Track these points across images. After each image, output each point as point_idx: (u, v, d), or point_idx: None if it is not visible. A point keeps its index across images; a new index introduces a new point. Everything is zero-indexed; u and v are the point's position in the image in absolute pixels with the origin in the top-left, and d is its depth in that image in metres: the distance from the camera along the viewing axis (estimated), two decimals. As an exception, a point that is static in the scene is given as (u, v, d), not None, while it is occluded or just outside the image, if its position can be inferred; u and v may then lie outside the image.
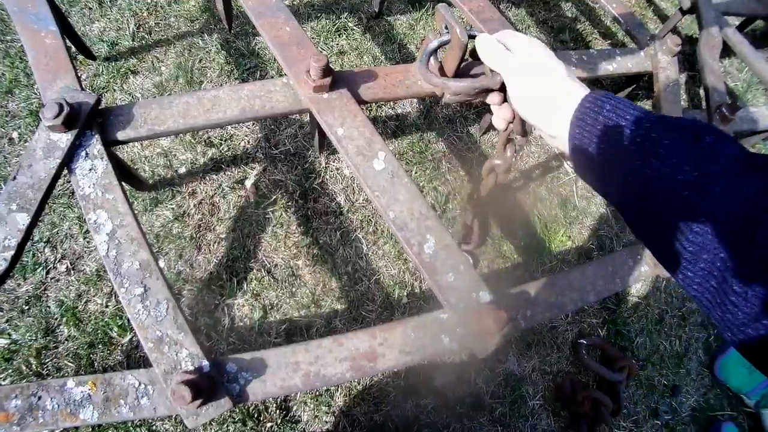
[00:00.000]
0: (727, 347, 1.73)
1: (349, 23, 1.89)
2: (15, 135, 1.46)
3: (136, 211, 0.86)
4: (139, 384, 0.77)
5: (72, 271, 1.34)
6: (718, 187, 0.47)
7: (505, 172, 1.04)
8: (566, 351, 1.56)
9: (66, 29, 1.35)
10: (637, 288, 1.74)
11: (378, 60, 1.85)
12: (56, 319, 1.28)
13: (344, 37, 1.86)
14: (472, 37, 0.83)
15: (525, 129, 0.82)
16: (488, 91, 0.80)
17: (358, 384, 1.37)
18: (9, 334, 1.24)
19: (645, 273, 1.10)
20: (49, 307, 1.29)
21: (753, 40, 1.83)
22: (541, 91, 0.67)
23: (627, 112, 0.58)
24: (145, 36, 1.71)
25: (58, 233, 1.36)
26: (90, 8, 1.73)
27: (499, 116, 0.83)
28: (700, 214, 0.48)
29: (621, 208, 0.60)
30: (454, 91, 0.85)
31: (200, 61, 1.69)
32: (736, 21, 2.11)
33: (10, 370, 1.20)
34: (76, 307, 1.30)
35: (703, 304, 0.50)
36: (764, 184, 0.45)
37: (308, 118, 1.53)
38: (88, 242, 1.37)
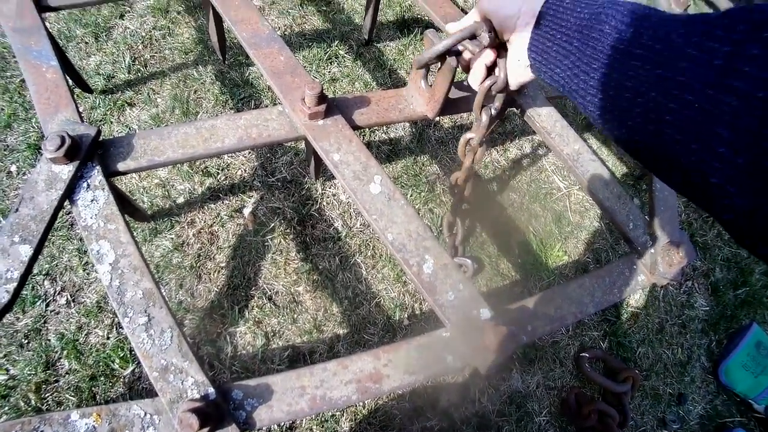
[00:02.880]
0: (728, 352, 1.73)
1: (340, 51, 1.93)
2: (13, 168, 1.48)
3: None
4: (145, 414, 0.76)
5: (72, 304, 1.34)
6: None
7: (480, 144, 1.04)
8: (569, 365, 1.56)
9: (65, 64, 1.37)
10: (635, 299, 1.75)
11: (370, 85, 1.88)
12: (56, 352, 1.27)
13: (336, 64, 1.90)
14: (457, 53, 0.87)
15: (506, 75, 0.84)
16: (473, 37, 0.83)
17: (364, 408, 1.36)
18: (6, 370, 1.23)
19: (642, 282, 1.11)
20: (49, 340, 1.28)
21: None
22: (515, 1, 0.75)
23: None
24: (141, 69, 1.74)
25: (57, 265, 1.37)
26: (86, 42, 1.76)
27: (480, 63, 0.86)
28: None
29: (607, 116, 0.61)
30: (444, 45, 0.86)
31: (195, 92, 1.71)
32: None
33: (6, 407, 1.18)
34: (77, 340, 1.29)
35: None
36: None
37: (304, 145, 1.55)
38: (88, 274, 1.37)
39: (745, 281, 1.92)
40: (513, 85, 0.84)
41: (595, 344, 1.63)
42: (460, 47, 0.87)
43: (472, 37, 0.82)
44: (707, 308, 1.83)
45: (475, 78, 0.89)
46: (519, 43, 0.76)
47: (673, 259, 1.05)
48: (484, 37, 0.79)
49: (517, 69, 0.80)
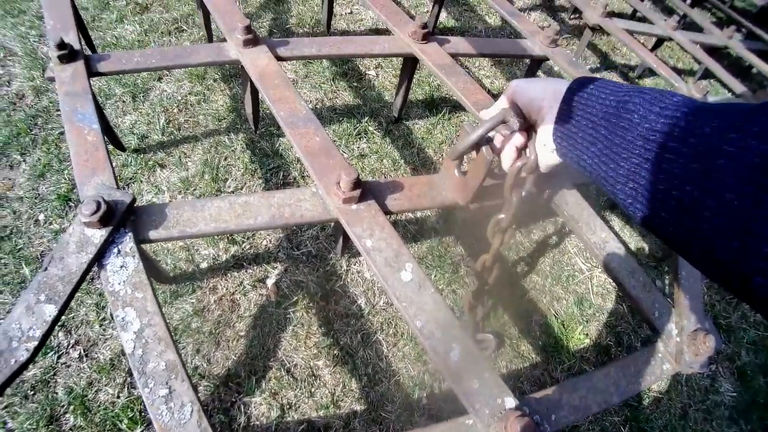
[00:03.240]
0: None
1: (370, 127, 1.99)
2: (41, 217, 1.51)
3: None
4: (161, 491, 0.74)
5: (85, 358, 1.32)
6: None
7: (510, 224, 1.04)
8: (590, 453, 1.50)
9: (103, 123, 1.43)
10: (657, 384, 1.70)
11: (397, 163, 1.93)
12: (63, 406, 1.24)
13: (365, 140, 1.96)
14: (489, 140, 0.91)
15: (536, 158, 0.85)
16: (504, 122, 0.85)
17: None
18: (4, 423, 1.19)
19: (667, 371, 1.09)
20: (56, 393, 1.26)
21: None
22: (539, 85, 0.79)
23: (607, 85, 0.67)
24: (174, 131, 1.80)
25: (74, 318, 1.37)
26: (124, 102, 1.84)
27: (511, 145, 0.88)
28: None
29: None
30: (477, 135, 0.89)
31: (226, 159, 1.77)
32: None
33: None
34: (86, 396, 1.27)
35: None
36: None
37: (333, 223, 1.58)
38: (104, 330, 1.37)
39: (776, 367, 1.86)
40: (543, 168, 0.86)
41: (616, 430, 1.57)
42: (491, 134, 0.90)
43: (503, 122, 0.85)
44: (734, 394, 1.76)
45: (507, 160, 0.91)
46: (545, 127, 0.78)
47: (699, 348, 1.03)
48: (513, 122, 0.82)
49: (545, 152, 0.82)
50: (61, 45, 1.16)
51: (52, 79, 1.18)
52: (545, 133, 0.77)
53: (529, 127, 0.84)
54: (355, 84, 2.13)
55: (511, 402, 0.85)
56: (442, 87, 2.22)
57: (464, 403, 0.85)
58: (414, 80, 2.16)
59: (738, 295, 0.48)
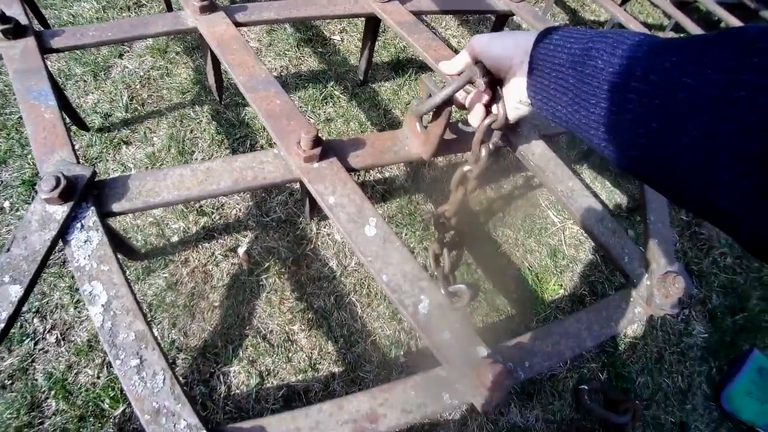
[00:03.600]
0: (730, 379, 1.71)
1: (336, 91, 1.97)
2: (6, 204, 1.47)
3: (129, 281, 0.87)
4: (137, 459, 0.75)
5: (62, 342, 1.31)
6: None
7: (477, 178, 1.04)
8: (568, 398, 1.54)
9: (63, 103, 1.39)
10: (633, 329, 1.74)
11: (365, 125, 1.91)
12: (43, 392, 1.24)
13: (331, 105, 1.93)
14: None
15: (505, 113, 0.85)
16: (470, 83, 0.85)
17: (359, 446, 1.33)
18: (-19, 416, 1.18)
19: (639, 314, 1.11)
20: (36, 380, 1.25)
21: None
22: (506, 39, 0.79)
23: (571, 34, 0.67)
24: (138, 108, 1.76)
25: (48, 303, 1.35)
26: (85, 81, 1.79)
27: (479, 104, 0.89)
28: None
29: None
30: (441, 97, 0.88)
31: (192, 132, 1.73)
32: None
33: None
34: (66, 379, 1.26)
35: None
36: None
37: (299, 186, 1.57)
38: (79, 312, 1.35)
39: (743, 307, 1.92)
40: (512, 119, 0.87)
41: (594, 376, 1.61)
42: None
43: (470, 83, 0.84)
44: (706, 335, 1.82)
45: (475, 118, 0.91)
46: (517, 82, 0.78)
47: (670, 290, 1.05)
48: (480, 83, 0.81)
49: (514, 106, 0.83)
50: (3, 18, 1.11)
51: None
52: (518, 88, 0.78)
53: (493, 83, 0.84)
54: (320, 49, 2.09)
55: (483, 351, 0.86)
56: (408, 48, 2.20)
57: (436, 355, 0.86)
58: (379, 43, 2.14)
59: (711, 222, 0.50)
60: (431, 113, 0.97)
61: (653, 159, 0.52)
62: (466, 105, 0.93)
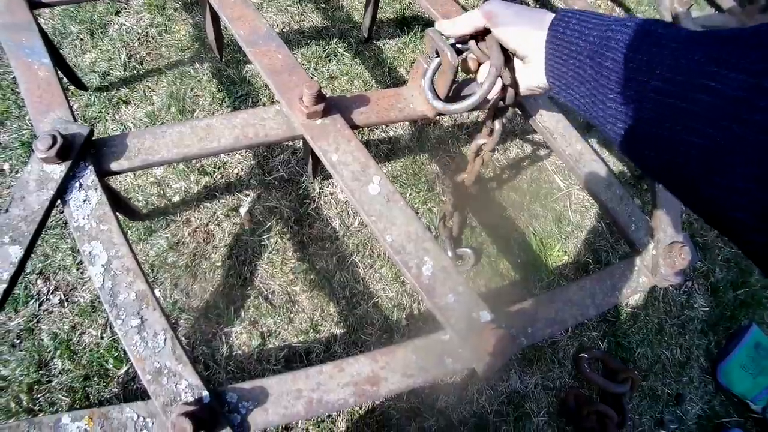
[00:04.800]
0: (726, 353, 1.73)
1: (339, 49, 1.92)
2: (6, 167, 1.46)
3: (130, 241, 0.86)
4: (138, 417, 0.75)
5: (66, 303, 1.32)
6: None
7: (492, 150, 1.06)
8: (568, 366, 1.56)
9: (58, 61, 1.36)
10: (635, 299, 1.74)
11: (369, 84, 1.87)
12: (49, 352, 1.26)
13: (334, 62, 1.89)
14: (460, 53, 0.86)
15: (516, 80, 0.84)
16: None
17: (361, 409, 1.35)
18: (-3, 370, 1.21)
19: (643, 284, 1.10)
20: (42, 340, 1.26)
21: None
22: (524, 19, 0.75)
23: (589, 19, 0.64)
24: (137, 66, 1.72)
25: (50, 264, 1.35)
26: (81, 39, 1.74)
27: (498, 83, 0.86)
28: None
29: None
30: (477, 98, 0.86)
31: (192, 90, 1.70)
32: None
33: (-4, 409, 1.17)
34: (70, 340, 1.28)
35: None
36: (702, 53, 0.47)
37: (302, 144, 1.54)
38: (81, 273, 1.35)
39: (745, 282, 1.92)
40: (524, 95, 0.85)
41: (594, 344, 1.62)
42: (466, 54, 0.87)
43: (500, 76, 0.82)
44: (707, 309, 1.82)
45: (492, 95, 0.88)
46: (533, 66, 0.76)
47: (675, 261, 1.04)
48: (506, 76, 0.81)
49: (533, 88, 0.81)
50: (-21, -34, 1.06)
51: None
52: (535, 71, 0.75)
53: (506, 59, 0.81)
54: (323, 5, 2.03)
55: (486, 316, 0.85)
56: (413, 5, 2.13)
57: (439, 318, 0.86)
58: (384, -1, 2.08)
59: (719, 229, 0.49)
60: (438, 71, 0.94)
61: (668, 160, 0.50)
62: (477, 77, 0.90)
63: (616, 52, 0.57)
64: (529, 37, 0.74)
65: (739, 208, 0.42)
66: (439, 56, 0.90)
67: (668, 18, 1.79)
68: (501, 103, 0.90)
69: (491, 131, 1.03)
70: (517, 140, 1.91)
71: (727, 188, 0.43)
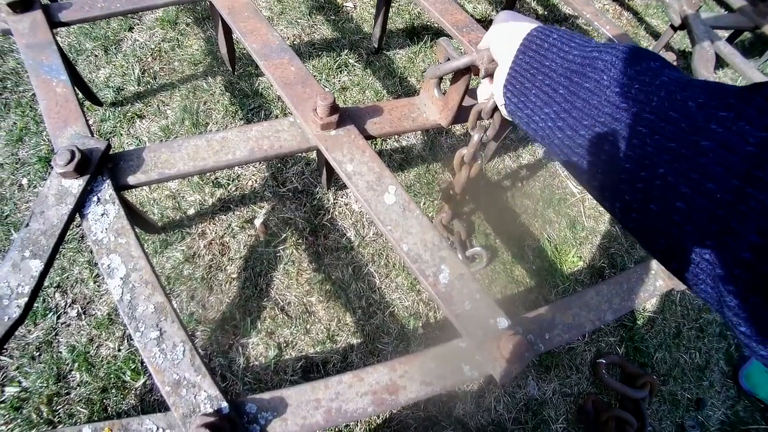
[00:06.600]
0: (748, 356, 1.69)
1: (350, 60, 1.93)
2: (24, 181, 1.48)
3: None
4: (158, 428, 0.75)
5: (83, 316, 1.33)
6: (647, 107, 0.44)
7: (473, 159, 1.06)
8: (586, 372, 1.54)
9: (74, 78, 1.38)
10: (651, 303, 1.72)
11: (380, 94, 1.88)
12: (68, 364, 1.27)
13: (346, 73, 1.90)
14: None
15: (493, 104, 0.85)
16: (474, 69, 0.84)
17: (378, 418, 1.34)
18: (19, 382, 1.23)
19: (660, 287, 1.09)
20: (60, 352, 1.28)
21: (743, 51, 1.87)
22: (505, 27, 0.69)
23: (572, 38, 0.57)
24: (150, 81, 1.74)
25: (68, 278, 1.37)
26: (96, 56, 1.77)
27: (485, 86, 0.85)
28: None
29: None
30: (464, 63, 0.86)
31: (205, 103, 1.72)
32: (725, 34, 2.16)
33: (19, 420, 1.18)
34: (88, 352, 1.29)
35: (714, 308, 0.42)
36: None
37: (315, 155, 1.55)
38: (98, 286, 1.37)
39: (764, 284, 1.89)
40: (506, 114, 0.77)
41: (612, 350, 1.60)
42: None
43: (473, 65, 0.83)
44: (725, 312, 1.79)
45: (481, 97, 0.89)
46: (499, 76, 0.69)
47: (693, 263, 1.03)
48: (482, 71, 0.79)
49: (485, 98, 0.81)
50: (9, -10, 1.09)
51: (7, 32, 1.12)
52: (499, 82, 0.68)
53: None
54: (333, 17, 2.05)
55: (503, 322, 0.85)
56: (422, 15, 2.14)
57: (456, 326, 0.86)
58: (393, 9, 2.09)
59: (706, 298, 0.42)
60: (450, 78, 0.94)
61: (653, 212, 0.43)
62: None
63: (601, 73, 0.50)
64: (505, 44, 0.67)
65: (737, 282, 0.35)
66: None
67: (677, 21, 1.79)
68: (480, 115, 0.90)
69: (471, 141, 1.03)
70: (529, 146, 1.91)
71: (725, 256, 0.36)
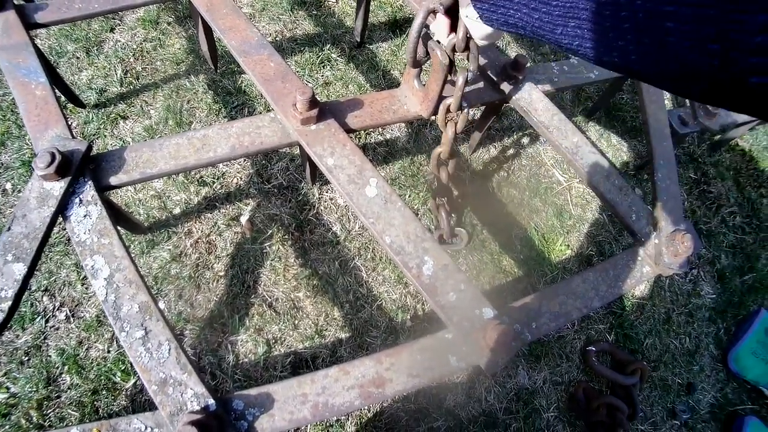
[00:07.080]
0: (736, 340, 1.71)
1: (333, 54, 1.92)
2: (8, 186, 1.47)
3: (132, 255, 0.86)
4: (146, 428, 0.76)
5: (72, 319, 1.33)
6: None
7: (449, 156, 1.05)
8: (576, 360, 1.55)
9: (55, 80, 1.37)
10: (641, 289, 1.73)
11: (363, 88, 1.87)
12: (57, 368, 1.26)
13: (328, 68, 1.90)
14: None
15: (463, 35, 0.83)
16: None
17: (369, 411, 1.35)
18: (7, 388, 1.22)
19: (647, 273, 1.10)
20: (49, 356, 1.27)
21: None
22: None
23: None
24: (133, 81, 1.73)
25: (55, 281, 1.36)
26: (77, 57, 1.76)
27: (442, 25, 0.86)
28: None
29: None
30: (414, 28, 0.86)
31: (188, 102, 1.71)
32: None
33: (7, 426, 1.17)
34: (78, 355, 1.29)
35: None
36: None
37: (299, 150, 1.55)
38: (86, 288, 1.36)
39: (752, 267, 1.90)
40: (479, 39, 0.80)
41: (602, 337, 1.61)
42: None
43: (433, 12, 0.83)
44: (714, 296, 1.81)
45: (440, 36, 0.88)
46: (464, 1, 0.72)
47: (678, 248, 1.04)
48: (438, 7, 0.80)
49: (474, 25, 0.77)
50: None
51: None
52: (465, 3, 0.72)
53: (454, 10, 0.81)
54: (315, 12, 2.04)
55: (489, 312, 0.85)
56: (405, 7, 2.14)
57: (442, 317, 0.86)
58: (375, 2, 2.08)
59: (732, 105, 0.40)
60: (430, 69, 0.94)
61: (648, 44, 0.42)
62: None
63: None
64: None
65: (756, 71, 0.34)
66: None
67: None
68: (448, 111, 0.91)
69: (445, 138, 1.03)
70: (514, 136, 1.91)
71: (732, 52, 0.35)
